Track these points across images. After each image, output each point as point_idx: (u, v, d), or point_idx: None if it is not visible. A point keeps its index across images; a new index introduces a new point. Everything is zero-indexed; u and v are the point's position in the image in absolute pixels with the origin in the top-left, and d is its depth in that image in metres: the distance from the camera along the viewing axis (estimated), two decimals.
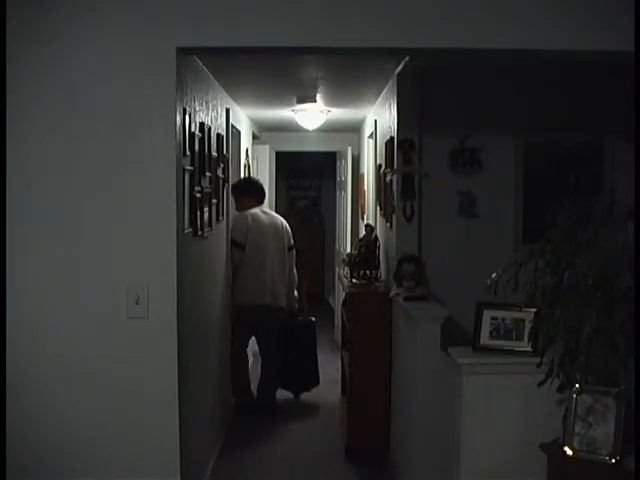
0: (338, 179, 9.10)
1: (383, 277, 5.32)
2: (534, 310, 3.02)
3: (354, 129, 8.27)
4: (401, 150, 4.68)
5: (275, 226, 6.06)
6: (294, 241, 6.29)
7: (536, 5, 2.90)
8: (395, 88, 4.77)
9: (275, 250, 5.99)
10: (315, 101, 6.05)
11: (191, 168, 3.78)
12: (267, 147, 8.41)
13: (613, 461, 2.69)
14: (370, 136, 6.65)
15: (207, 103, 4.54)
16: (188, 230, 3.65)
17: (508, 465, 3.11)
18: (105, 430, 3.00)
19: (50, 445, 2.99)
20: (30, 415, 2.97)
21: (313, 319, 6.55)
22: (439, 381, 3.73)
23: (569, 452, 2.77)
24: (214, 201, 4.75)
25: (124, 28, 2.89)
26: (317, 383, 6.41)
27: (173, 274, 2.98)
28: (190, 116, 3.73)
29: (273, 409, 5.97)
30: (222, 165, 5.17)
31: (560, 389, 2.84)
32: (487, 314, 3.28)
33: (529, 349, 3.11)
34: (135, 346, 2.99)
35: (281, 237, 6.08)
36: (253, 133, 7.81)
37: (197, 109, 4.09)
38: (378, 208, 5.95)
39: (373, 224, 5.97)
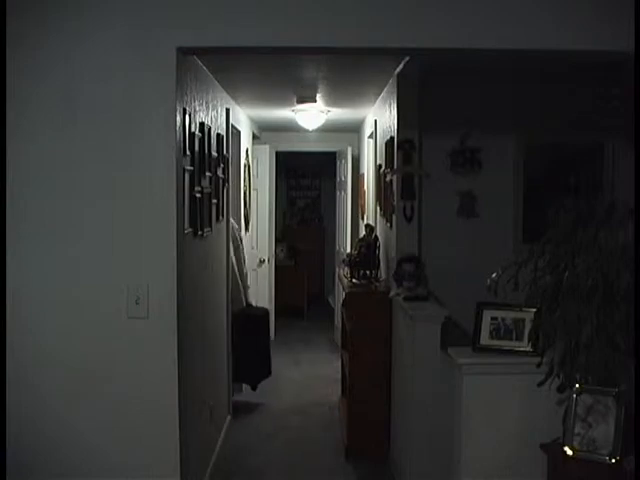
0: (338, 179, 9.11)
1: (383, 277, 5.32)
2: (534, 310, 3.03)
3: (354, 129, 8.27)
4: (401, 150, 4.68)
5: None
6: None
7: (536, 5, 2.90)
8: (395, 88, 4.77)
9: (234, 252, 6.06)
10: (315, 101, 6.05)
11: (191, 168, 3.78)
12: (267, 147, 8.41)
13: (613, 461, 2.69)
14: (370, 136, 6.65)
15: (207, 103, 4.54)
16: (188, 230, 3.65)
17: (508, 465, 3.11)
18: (105, 430, 3.00)
19: (50, 445, 2.99)
20: (30, 415, 2.96)
21: (267, 307, 6.61)
22: (439, 381, 3.73)
23: (569, 452, 2.77)
24: (214, 201, 4.76)
25: (124, 28, 2.89)
26: (269, 374, 6.30)
27: (173, 274, 2.97)
28: (190, 116, 3.73)
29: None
30: (222, 165, 5.17)
31: (560, 389, 2.84)
32: (487, 314, 3.28)
33: (529, 349, 3.11)
34: (135, 346, 2.98)
35: (234, 237, 6.13)
36: (253, 133, 7.82)
37: (197, 109, 4.09)
38: (378, 208, 5.96)
39: (373, 224, 5.97)
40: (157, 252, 2.96)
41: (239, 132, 6.48)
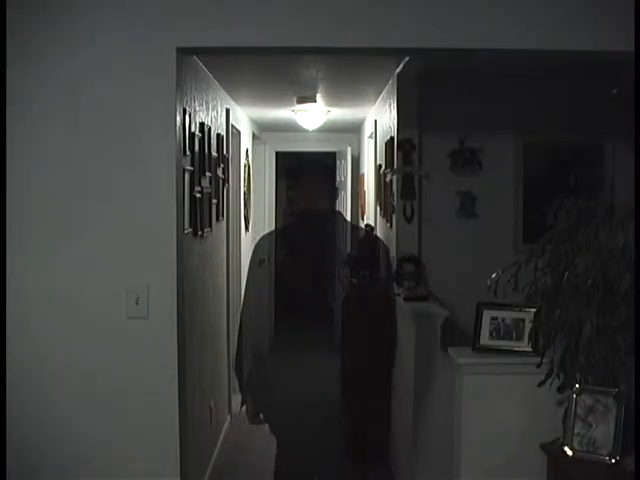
0: (338, 179, 9.11)
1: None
2: (534, 310, 3.03)
3: (354, 129, 8.27)
4: (401, 150, 4.68)
5: None
6: None
7: (536, 5, 2.89)
8: (395, 88, 4.77)
9: None
10: (315, 101, 6.05)
11: (191, 168, 3.79)
12: (267, 147, 8.41)
13: (613, 461, 2.69)
14: (370, 136, 6.66)
15: (207, 103, 4.54)
16: (188, 230, 3.65)
17: (508, 465, 3.11)
18: (105, 430, 2.99)
19: (50, 445, 2.99)
20: (30, 415, 2.96)
21: None
22: (439, 381, 3.73)
23: (569, 452, 2.77)
24: (214, 201, 4.76)
25: (124, 28, 2.89)
26: None
27: (173, 274, 2.97)
28: (190, 116, 3.73)
29: None
30: (222, 165, 5.17)
31: (560, 389, 2.84)
32: (487, 314, 3.28)
33: (529, 349, 3.11)
34: (135, 346, 2.98)
35: None
36: (253, 133, 7.81)
37: (197, 109, 4.10)
38: (378, 208, 5.96)
39: (373, 224, 5.97)
40: (157, 252, 2.96)
41: (239, 132, 6.48)
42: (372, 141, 6.49)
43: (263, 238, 4.10)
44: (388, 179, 5.09)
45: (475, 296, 3.27)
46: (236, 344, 3.92)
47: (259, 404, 3.75)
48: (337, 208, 3.98)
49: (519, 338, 3.20)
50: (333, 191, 3.73)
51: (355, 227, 4.30)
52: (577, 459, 2.76)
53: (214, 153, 4.73)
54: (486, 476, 3.14)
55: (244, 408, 3.80)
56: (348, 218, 8.15)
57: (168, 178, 2.95)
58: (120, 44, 2.89)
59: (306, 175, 3.64)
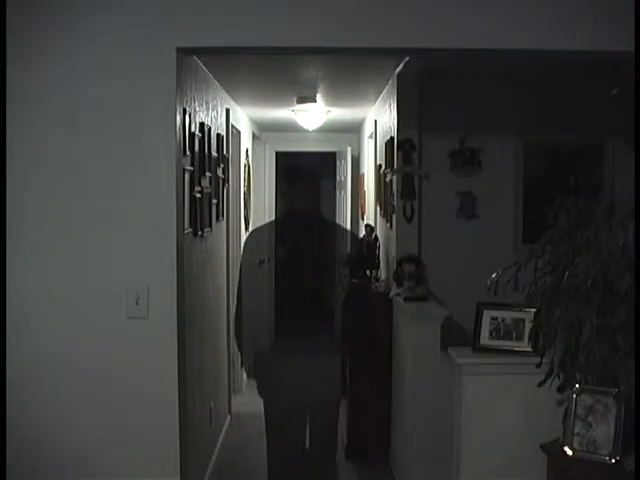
0: (338, 179, 9.11)
1: (383, 277, 5.32)
2: (534, 310, 3.03)
3: (354, 129, 8.27)
4: (401, 150, 4.68)
5: None
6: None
7: (536, 5, 2.89)
8: (395, 88, 4.77)
9: None
10: (315, 101, 6.05)
11: (191, 168, 3.79)
12: (267, 147, 8.41)
13: (613, 461, 2.69)
14: (370, 136, 6.66)
15: (207, 103, 4.54)
16: (188, 230, 3.65)
17: (508, 465, 3.12)
18: (105, 430, 2.99)
19: (50, 445, 2.99)
20: (30, 415, 2.96)
21: None
22: (439, 381, 3.73)
23: (569, 452, 2.77)
24: (214, 201, 4.76)
25: (124, 28, 2.88)
26: None
27: (173, 274, 2.97)
28: (190, 116, 3.73)
29: None
30: (222, 165, 5.17)
31: (560, 389, 2.84)
32: (487, 314, 3.28)
33: (529, 349, 3.12)
34: (135, 346, 2.98)
35: None
36: (253, 133, 7.82)
37: (197, 109, 4.10)
38: (378, 208, 5.96)
39: (373, 224, 5.97)
40: (157, 252, 2.96)
41: (239, 132, 6.48)
42: (372, 141, 6.49)
43: (251, 235, 4.22)
44: (388, 179, 5.09)
45: (475, 296, 3.27)
46: (235, 308, 4.07)
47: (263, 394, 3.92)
48: (336, 207, 4.07)
49: (519, 338, 3.20)
50: (317, 191, 3.81)
51: (352, 234, 4.38)
52: (577, 459, 2.76)
53: (214, 153, 4.73)
54: (486, 476, 3.14)
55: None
56: (348, 217, 8.17)
57: (168, 178, 2.95)
58: (120, 44, 2.89)
59: (290, 177, 3.77)
